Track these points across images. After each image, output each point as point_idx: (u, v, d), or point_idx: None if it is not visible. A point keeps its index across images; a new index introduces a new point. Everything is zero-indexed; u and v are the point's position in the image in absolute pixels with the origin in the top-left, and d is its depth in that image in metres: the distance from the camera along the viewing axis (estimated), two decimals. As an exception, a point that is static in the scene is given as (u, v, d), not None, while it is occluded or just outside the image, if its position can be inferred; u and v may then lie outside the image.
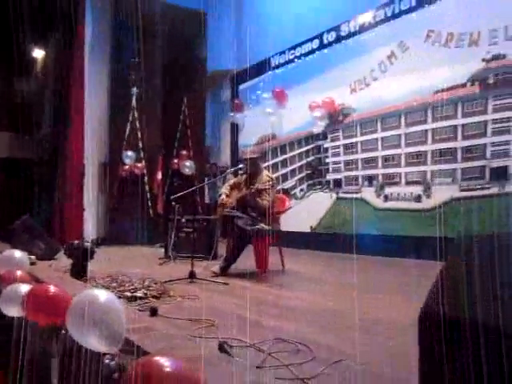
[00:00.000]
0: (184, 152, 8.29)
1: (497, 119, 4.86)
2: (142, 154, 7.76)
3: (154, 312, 2.44)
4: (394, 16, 5.94)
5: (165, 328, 2.14)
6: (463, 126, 5.15)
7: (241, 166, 4.47)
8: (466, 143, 5.10)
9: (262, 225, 4.13)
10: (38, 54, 8.22)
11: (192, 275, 3.71)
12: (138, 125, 7.72)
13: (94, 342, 1.69)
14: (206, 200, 8.32)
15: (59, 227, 6.96)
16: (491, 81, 4.94)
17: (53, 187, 7.41)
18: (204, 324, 2.26)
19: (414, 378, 0.86)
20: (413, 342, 0.85)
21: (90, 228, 7.50)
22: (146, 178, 7.77)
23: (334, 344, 2.02)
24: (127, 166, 7.66)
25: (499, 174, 4.80)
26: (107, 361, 1.74)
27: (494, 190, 4.85)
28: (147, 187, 7.74)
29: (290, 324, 2.38)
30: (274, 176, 4.85)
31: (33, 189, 7.12)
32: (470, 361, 0.72)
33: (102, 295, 1.79)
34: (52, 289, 2.28)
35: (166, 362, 1.13)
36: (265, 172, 4.50)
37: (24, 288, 2.71)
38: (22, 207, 6.16)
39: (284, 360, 1.75)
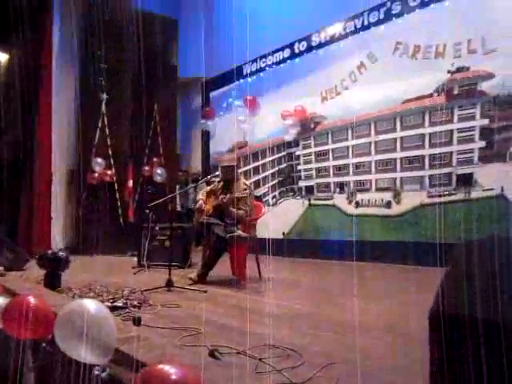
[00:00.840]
0: (155, 159, 8.21)
1: (462, 128, 5.09)
2: (111, 161, 7.62)
3: (138, 321, 2.41)
4: (363, 28, 6.13)
5: (152, 337, 2.12)
6: (430, 134, 5.36)
7: (217, 173, 4.47)
8: (433, 151, 5.31)
9: (240, 232, 4.14)
10: (2, 57, 7.96)
11: (169, 283, 3.68)
12: (107, 131, 7.59)
13: (84, 354, 1.66)
14: (178, 208, 8.25)
15: (26, 236, 6.73)
16: (456, 91, 5.17)
17: (18, 195, 7.16)
18: (190, 332, 2.26)
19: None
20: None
21: (58, 237, 7.30)
22: (116, 186, 7.63)
23: (320, 347, 2.06)
24: (97, 174, 7.50)
25: (465, 181, 5.02)
26: (97, 372, 1.72)
27: (460, 195, 5.06)
28: (117, 195, 7.60)
29: (274, 330, 2.41)
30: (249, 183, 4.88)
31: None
32: (480, 359, 0.77)
33: (91, 305, 1.76)
34: (32, 301, 2.21)
35: (171, 370, 1.14)
36: (242, 180, 4.52)
37: (-2, 300, 2.62)
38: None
39: (275, 365, 1.77)
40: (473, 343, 0.79)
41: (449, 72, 5.20)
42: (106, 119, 7.61)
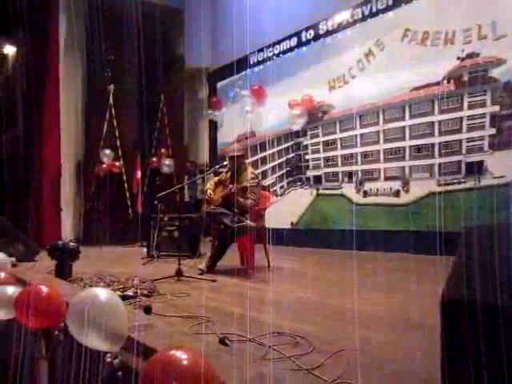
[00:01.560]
0: (163, 150, 8.23)
1: (472, 115, 5.03)
2: (119, 153, 7.65)
3: (148, 310, 2.43)
4: (371, 15, 6.05)
5: (162, 325, 2.14)
6: (440, 122, 5.30)
7: (225, 163, 4.47)
8: (443, 139, 5.26)
9: (248, 222, 4.15)
10: (10, 50, 7.98)
11: (179, 273, 3.70)
12: (115, 123, 7.61)
13: (96, 341, 1.68)
14: (186, 198, 8.28)
15: (36, 228, 6.79)
16: (466, 78, 5.10)
17: (28, 188, 7.22)
18: (200, 320, 2.27)
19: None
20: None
21: (68, 228, 7.36)
22: (124, 177, 7.67)
23: (329, 336, 2.07)
24: (105, 165, 7.54)
25: (475, 169, 4.97)
26: (109, 359, 1.74)
27: (470, 183, 5.02)
28: (126, 186, 7.64)
29: (283, 318, 2.42)
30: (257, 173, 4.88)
31: (6, 190, 6.93)
32: (493, 345, 0.77)
33: (103, 294, 1.78)
34: (44, 290, 2.24)
35: (182, 356, 1.15)
36: (249, 169, 4.52)
37: (10, 290, 2.66)
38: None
39: (285, 352, 1.78)
40: (485, 328, 0.79)
41: (458, 58, 5.12)
42: (113, 111, 7.62)
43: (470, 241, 0.93)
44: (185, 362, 1.13)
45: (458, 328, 0.81)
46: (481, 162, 4.92)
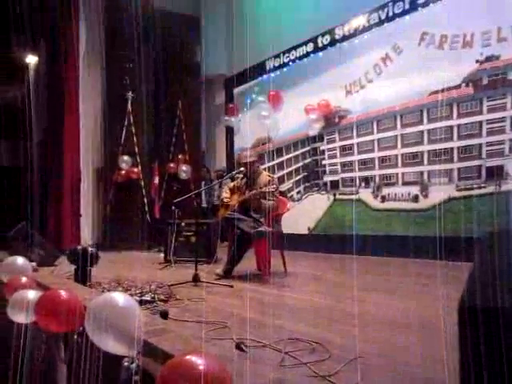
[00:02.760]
0: (180, 156, 8.30)
1: (491, 119, 4.94)
2: (138, 159, 7.75)
3: (165, 315, 2.45)
4: (388, 19, 6.01)
5: (179, 330, 2.15)
6: (459, 126, 5.22)
7: (242, 169, 4.48)
8: (462, 143, 5.18)
9: (265, 227, 4.15)
10: (32, 59, 8.18)
11: (196, 278, 3.72)
12: (133, 129, 7.71)
13: (113, 345, 1.70)
14: (203, 204, 8.33)
15: (56, 234, 6.92)
16: (485, 82, 5.02)
17: (48, 194, 7.37)
18: (217, 326, 2.28)
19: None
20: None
21: (87, 234, 7.47)
22: (142, 183, 7.75)
23: (346, 342, 2.05)
24: (123, 171, 7.64)
25: (495, 173, 4.88)
26: (126, 363, 1.75)
27: (491, 188, 4.92)
28: (144, 192, 7.73)
29: (299, 324, 2.41)
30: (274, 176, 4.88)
31: (28, 196, 7.07)
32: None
33: (120, 298, 1.80)
34: (64, 294, 2.28)
35: (198, 361, 1.15)
36: (264, 173, 4.53)
37: (31, 294, 2.71)
38: (18, 215, 6.11)
39: (301, 359, 1.77)
40: (503, 335, 0.77)
41: (477, 62, 5.05)
42: (131, 117, 7.73)
43: (488, 246, 0.91)
44: (201, 367, 1.13)
45: (476, 335, 0.79)
46: (501, 167, 4.83)
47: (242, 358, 1.75)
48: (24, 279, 3.13)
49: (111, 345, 1.71)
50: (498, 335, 0.79)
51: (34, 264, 4.46)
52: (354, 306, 2.96)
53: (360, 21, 6.38)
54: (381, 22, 6.11)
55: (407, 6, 5.78)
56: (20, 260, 3.72)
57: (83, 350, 2.14)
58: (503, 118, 4.84)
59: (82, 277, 3.56)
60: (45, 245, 5.33)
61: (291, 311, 2.78)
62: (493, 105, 4.94)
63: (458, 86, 5.22)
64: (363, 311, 2.71)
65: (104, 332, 1.71)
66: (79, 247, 3.71)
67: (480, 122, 5.04)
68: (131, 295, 2.99)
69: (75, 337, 2.34)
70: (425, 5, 5.56)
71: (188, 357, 1.18)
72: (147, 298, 2.94)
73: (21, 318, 2.63)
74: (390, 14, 5.99)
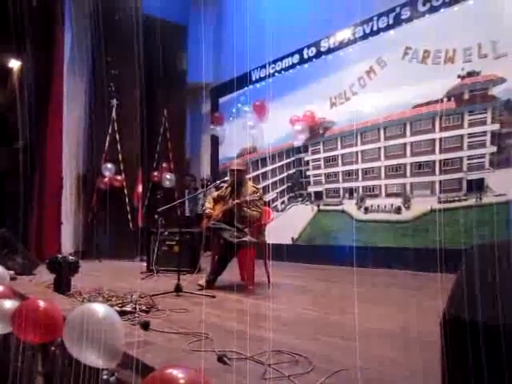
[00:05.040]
0: (165, 164, 8.25)
1: (472, 133, 5.05)
2: (121, 167, 7.66)
3: (146, 326, 2.41)
4: (373, 33, 6.12)
5: (160, 342, 2.12)
6: (440, 139, 5.32)
7: (226, 178, 4.47)
8: (444, 156, 5.27)
9: (248, 237, 4.13)
10: (15, 64, 8.06)
11: (178, 289, 3.67)
12: (117, 137, 7.64)
13: (92, 358, 1.66)
14: (187, 213, 8.27)
15: (36, 241, 6.77)
16: (466, 96, 5.14)
17: (29, 200, 7.22)
18: (199, 337, 2.25)
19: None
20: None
21: (68, 242, 7.34)
22: (125, 191, 7.66)
23: (329, 354, 2.04)
24: (106, 179, 7.55)
25: (476, 186, 4.97)
26: (105, 376, 1.71)
27: (471, 201, 5.01)
28: (127, 200, 7.64)
29: (282, 335, 2.39)
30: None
31: (7, 202, 6.93)
32: (495, 363, 0.76)
33: (100, 309, 1.77)
34: (42, 304, 2.22)
35: (180, 374, 1.13)
36: (249, 183, 4.52)
37: (8, 304, 2.63)
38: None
39: (284, 371, 1.76)
40: (486, 347, 0.78)
41: (459, 77, 5.17)
42: (116, 125, 7.66)
43: (471, 259, 0.92)
44: (182, 381, 1.11)
45: (459, 346, 0.80)
46: (481, 180, 4.92)
47: (224, 371, 1.72)
48: (1, 288, 3.04)
49: (90, 357, 1.67)
50: (478, 348, 0.80)
51: (11, 272, 4.35)
52: (338, 316, 2.97)
53: (345, 34, 6.48)
54: (365, 36, 6.22)
55: (391, 21, 5.90)
56: (-3, 268, 3.63)
57: (61, 362, 2.09)
58: (484, 132, 4.95)
59: (62, 286, 3.49)
60: (24, 253, 5.21)
61: (275, 322, 2.75)
62: (474, 119, 5.05)
63: (441, 100, 5.32)
64: (348, 322, 2.70)
65: (83, 344, 1.67)
66: (59, 256, 3.63)
67: (461, 136, 5.14)
68: (112, 306, 2.93)
69: (53, 348, 2.28)
70: (408, 20, 5.68)
71: (169, 370, 1.16)
72: (128, 308, 2.89)
73: (-3, 328, 2.55)
74: (375, 28, 6.10)
